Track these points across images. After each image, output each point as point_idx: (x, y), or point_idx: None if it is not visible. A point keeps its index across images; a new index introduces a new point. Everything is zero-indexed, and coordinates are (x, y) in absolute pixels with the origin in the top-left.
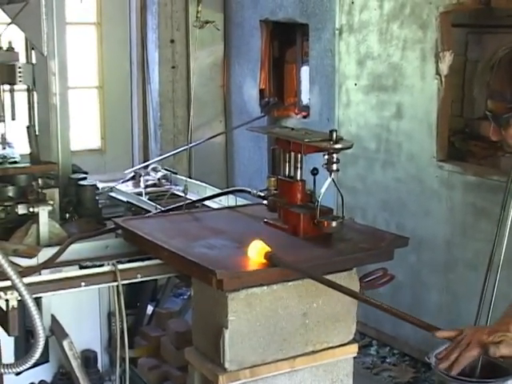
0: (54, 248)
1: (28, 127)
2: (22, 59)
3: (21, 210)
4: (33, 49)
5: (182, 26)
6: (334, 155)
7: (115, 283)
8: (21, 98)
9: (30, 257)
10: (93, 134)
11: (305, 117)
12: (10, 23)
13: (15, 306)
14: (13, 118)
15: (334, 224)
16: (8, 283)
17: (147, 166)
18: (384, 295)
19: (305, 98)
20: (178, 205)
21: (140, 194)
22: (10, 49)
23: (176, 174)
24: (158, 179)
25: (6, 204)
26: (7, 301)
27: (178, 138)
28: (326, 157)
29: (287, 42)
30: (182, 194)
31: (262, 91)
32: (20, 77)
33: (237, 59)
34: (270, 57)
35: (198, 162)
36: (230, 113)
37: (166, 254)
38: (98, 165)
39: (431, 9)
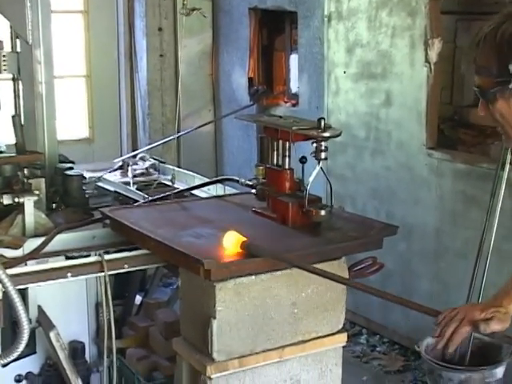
0: (40, 238)
1: (13, 116)
2: (7, 48)
3: (6, 200)
4: (17, 37)
5: (170, 14)
6: (323, 143)
7: (102, 274)
8: (6, 87)
9: (16, 247)
10: (81, 124)
11: (294, 105)
12: None
13: (0, 297)
14: None
15: (322, 213)
16: None
17: (135, 156)
18: (374, 284)
19: (294, 86)
20: (165, 194)
21: (128, 183)
22: None
23: (164, 163)
24: (146, 168)
25: None
26: None
27: (167, 127)
28: (315, 145)
29: (276, 29)
30: (170, 184)
31: (250, 79)
32: (5, 66)
33: (225, 47)
34: (259, 45)
35: (187, 151)
36: (219, 101)
37: (153, 243)
38: (86, 154)
39: None
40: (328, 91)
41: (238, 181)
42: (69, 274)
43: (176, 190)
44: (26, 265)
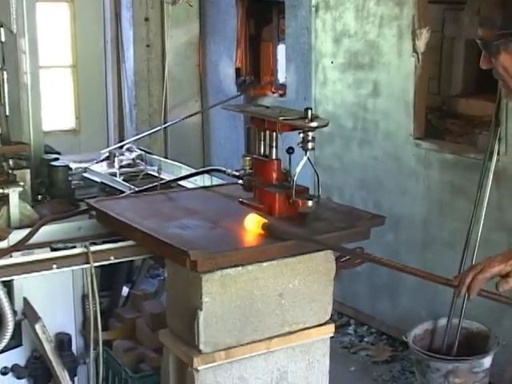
0: (25, 230)
1: None
2: None
3: None
4: (1, 26)
5: (157, 3)
6: (310, 133)
7: (87, 265)
8: None
9: (1, 239)
10: (67, 114)
11: (281, 95)
12: None
13: None
14: None
15: (309, 203)
16: None
17: (122, 147)
18: (361, 274)
19: (281, 76)
20: (152, 185)
21: (114, 174)
22: None
23: (151, 153)
24: (133, 159)
25: None
26: None
27: (154, 118)
28: (302, 135)
29: (263, 19)
30: (157, 174)
31: (238, 70)
32: None
33: (212, 37)
34: (246, 35)
35: (174, 141)
36: (206, 92)
37: (139, 234)
38: (73, 145)
39: None
40: (315, 81)
41: (224, 171)
42: (54, 266)
43: (162, 181)
44: (11, 256)
